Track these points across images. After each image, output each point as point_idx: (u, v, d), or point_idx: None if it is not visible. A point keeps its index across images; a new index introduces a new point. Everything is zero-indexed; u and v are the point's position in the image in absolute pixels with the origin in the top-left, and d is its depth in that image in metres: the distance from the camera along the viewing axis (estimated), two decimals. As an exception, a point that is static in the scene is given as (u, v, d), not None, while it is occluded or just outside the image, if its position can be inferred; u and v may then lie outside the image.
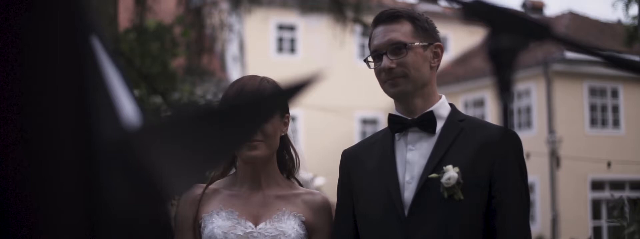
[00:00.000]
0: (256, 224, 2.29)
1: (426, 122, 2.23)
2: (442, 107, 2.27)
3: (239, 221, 2.27)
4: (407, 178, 2.19)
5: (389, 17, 2.28)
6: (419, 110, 2.25)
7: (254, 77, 2.37)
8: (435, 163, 2.16)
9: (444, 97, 2.31)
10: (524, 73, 20.77)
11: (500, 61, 0.75)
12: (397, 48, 2.23)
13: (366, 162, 2.29)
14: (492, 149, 2.13)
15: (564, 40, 0.83)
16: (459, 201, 2.11)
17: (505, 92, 0.74)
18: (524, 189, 2.13)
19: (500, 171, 2.10)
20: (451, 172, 2.12)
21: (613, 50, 0.87)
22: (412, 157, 2.20)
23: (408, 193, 2.17)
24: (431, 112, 2.24)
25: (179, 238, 2.31)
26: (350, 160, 2.35)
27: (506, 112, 0.75)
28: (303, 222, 2.33)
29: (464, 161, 2.14)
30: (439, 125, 2.24)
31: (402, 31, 2.25)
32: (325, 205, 2.38)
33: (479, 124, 2.25)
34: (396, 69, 2.23)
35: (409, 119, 2.25)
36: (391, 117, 2.29)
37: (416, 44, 2.23)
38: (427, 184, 2.15)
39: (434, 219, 2.12)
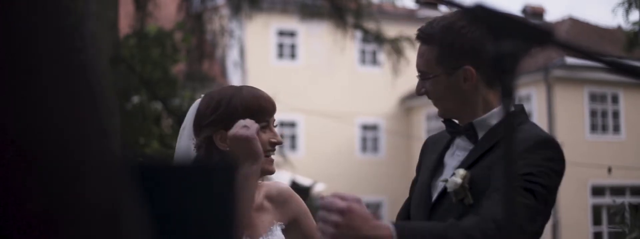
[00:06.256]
0: None
1: (470, 132, 2.22)
2: (493, 117, 2.20)
3: None
4: (440, 179, 2.22)
5: (419, 38, 2.24)
6: (468, 121, 2.24)
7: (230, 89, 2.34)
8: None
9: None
10: (525, 79, 20.77)
11: (502, 67, 0.75)
12: (422, 75, 2.23)
13: (431, 154, 2.32)
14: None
15: (566, 45, 0.83)
16: (470, 205, 2.10)
17: (507, 98, 0.74)
18: (527, 197, 2.01)
19: (497, 175, 2.08)
20: (455, 177, 2.12)
21: (614, 56, 0.87)
22: (451, 162, 2.22)
23: (435, 194, 2.20)
24: (471, 123, 2.21)
25: None
26: (426, 147, 2.38)
27: (509, 117, 0.75)
28: (283, 229, 2.33)
29: (484, 167, 2.12)
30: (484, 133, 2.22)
31: (426, 57, 2.20)
32: (285, 193, 2.35)
33: (520, 131, 2.14)
34: (427, 94, 2.24)
35: (457, 126, 2.25)
36: (445, 120, 2.29)
37: (436, 74, 2.18)
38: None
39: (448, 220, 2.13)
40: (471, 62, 2.17)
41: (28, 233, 0.62)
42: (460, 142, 2.24)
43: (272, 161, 2.27)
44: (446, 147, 2.28)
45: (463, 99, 2.20)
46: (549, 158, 2.08)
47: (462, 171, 2.12)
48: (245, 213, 2.19)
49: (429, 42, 2.21)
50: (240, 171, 2.09)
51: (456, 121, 2.27)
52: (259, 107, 2.24)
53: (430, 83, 2.21)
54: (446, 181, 2.15)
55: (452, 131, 2.26)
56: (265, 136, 2.24)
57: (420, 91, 2.24)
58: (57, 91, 0.65)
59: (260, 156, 2.15)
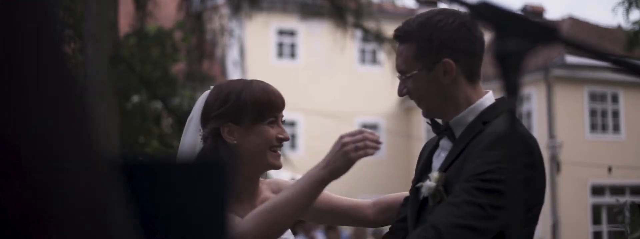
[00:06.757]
0: None
1: (448, 132, 2.20)
2: (470, 114, 2.18)
3: None
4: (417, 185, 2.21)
5: (397, 38, 2.23)
6: (450, 119, 2.22)
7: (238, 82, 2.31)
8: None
9: (480, 100, 2.20)
10: (525, 78, 20.77)
11: (507, 64, 0.74)
12: (403, 74, 2.21)
13: (422, 157, 2.32)
14: (472, 151, 2.09)
15: (570, 43, 0.82)
16: None
17: (512, 96, 0.73)
18: (482, 196, 1.99)
19: (462, 172, 2.06)
20: (429, 181, 2.11)
21: (618, 55, 0.86)
22: (437, 164, 2.21)
23: (421, 196, 2.19)
24: (448, 123, 2.19)
25: None
26: (423, 150, 2.36)
27: (513, 116, 0.74)
28: None
29: (457, 168, 2.11)
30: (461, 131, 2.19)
31: (404, 56, 2.19)
32: (286, 185, 2.33)
33: (490, 126, 2.14)
34: (408, 94, 2.22)
35: (439, 126, 2.23)
36: (430, 121, 2.27)
37: (415, 71, 2.17)
38: None
39: None
40: (450, 55, 2.16)
41: (16, 230, 0.62)
42: (444, 143, 2.22)
43: (279, 156, 2.26)
44: (434, 149, 2.27)
45: (444, 95, 2.18)
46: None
47: (436, 174, 2.11)
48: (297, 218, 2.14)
49: (407, 40, 2.20)
50: (312, 174, 2.06)
51: (440, 121, 2.24)
52: (269, 102, 2.23)
53: (412, 81, 2.18)
54: (421, 186, 2.14)
55: (436, 132, 2.24)
56: (273, 131, 2.22)
57: (402, 92, 2.22)
58: (44, 91, 0.66)
59: (341, 175, 2.09)
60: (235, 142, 2.21)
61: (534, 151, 2.10)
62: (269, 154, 2.22)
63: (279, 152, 2.26)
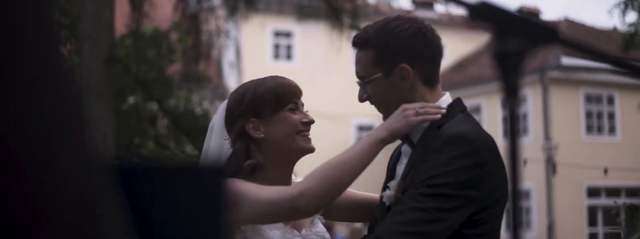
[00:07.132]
0: (299, 231, 2.26)
1: (406, 138, 2.21)
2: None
3: (286, 229, 2.22)
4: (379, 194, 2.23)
5: (356, 45, 2.26)
6: None
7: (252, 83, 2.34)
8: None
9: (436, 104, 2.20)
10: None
11: (506, 65, 0.74)
12: (362, 80, 2.23)
13: (390, 164, 2.32)
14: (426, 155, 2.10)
15: (570, 44, 0.81)
16: None
17: (512, 97, 0.73)
18: (429, 199, 2.02)
19: (414, 177, 2.07)
20: (389, 191, 2.12)
21: (618, 55, 0.85)
22: (400, 171, 2.21)
23: (386, 205, 2.19)
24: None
25: None
26: (389, 159, 2.37)
27: (513, 117, 0.73)
28: (323, 223, 2.34)
29: (415, 172, 2.10)
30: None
31: (363, 62, 2.22)
32: None
33: (442, 129, 2.16)
34: (369, 100, 2.24)
35: None
36: None
37: (374, 77, 2.20)
38: None
39: None
40: (406, 60, 2.18)
41: (12, 229, 0.62)
42: (405, 149, 2.24)
43: (309, 139, 2.30)
44: (399, 156, 2.28)
45: (403, 100, 2.19)
46: (456, 156, 2.05)
47: (394, 183, 2.13)
48: (349, 180, 2.14)
49: (365, 46, 2.22)
50: (371, 134, 2.12)
51: None
52: (284, 90, 2.27)
53: (371, 87, 2.21)
54: (382, 196, 2.15)
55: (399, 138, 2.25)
56: (296, 117, 2.26)
57: (362, 97, 2.25)
58: (41, 92, 0.66)
59: (398, 136, 2.13)
60: (262, 135, 2.24)
61: (480, 150, 2.09)
62: (298, 138, 2.26)
63: (309, 135, 2.29)
